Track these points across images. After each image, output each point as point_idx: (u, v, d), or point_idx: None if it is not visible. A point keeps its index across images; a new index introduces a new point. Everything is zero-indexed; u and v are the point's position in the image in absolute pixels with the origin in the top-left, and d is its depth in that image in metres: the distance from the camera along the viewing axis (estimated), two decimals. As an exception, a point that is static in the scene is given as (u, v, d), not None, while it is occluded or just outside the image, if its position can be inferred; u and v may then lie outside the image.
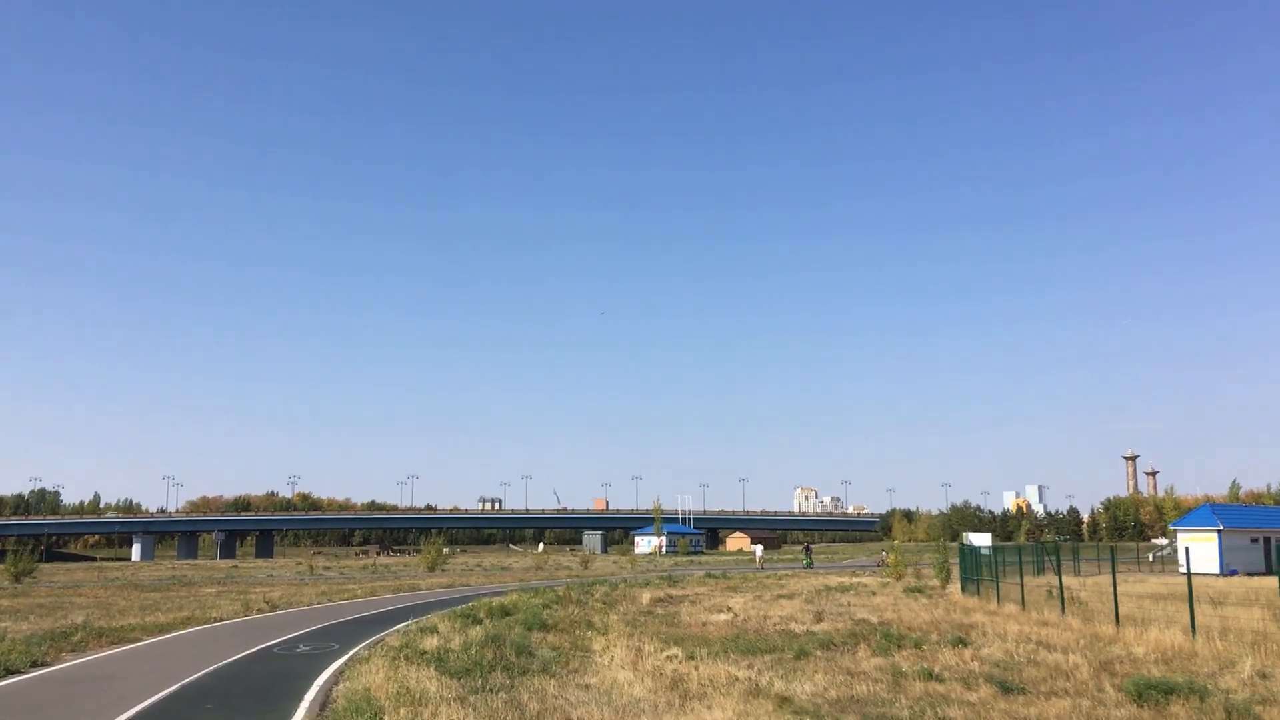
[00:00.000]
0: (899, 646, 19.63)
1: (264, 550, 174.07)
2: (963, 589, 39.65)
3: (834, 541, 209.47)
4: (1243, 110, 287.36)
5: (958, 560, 60.45)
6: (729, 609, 30.73)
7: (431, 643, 18.32)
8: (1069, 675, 15.69)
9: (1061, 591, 26.05)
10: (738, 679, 15.22)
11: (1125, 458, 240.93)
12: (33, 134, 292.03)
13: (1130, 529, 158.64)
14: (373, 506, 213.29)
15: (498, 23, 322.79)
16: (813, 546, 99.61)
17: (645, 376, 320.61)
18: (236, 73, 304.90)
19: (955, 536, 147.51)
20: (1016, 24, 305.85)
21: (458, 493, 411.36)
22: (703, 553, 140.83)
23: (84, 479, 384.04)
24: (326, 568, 72.15)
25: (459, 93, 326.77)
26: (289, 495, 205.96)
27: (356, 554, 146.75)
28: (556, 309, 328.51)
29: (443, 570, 65.35)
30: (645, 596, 34.82)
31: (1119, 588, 29.75)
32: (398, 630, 22.85)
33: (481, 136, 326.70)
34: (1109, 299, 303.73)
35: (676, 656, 18.14)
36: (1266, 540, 60.80)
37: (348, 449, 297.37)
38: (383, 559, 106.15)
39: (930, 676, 15.56)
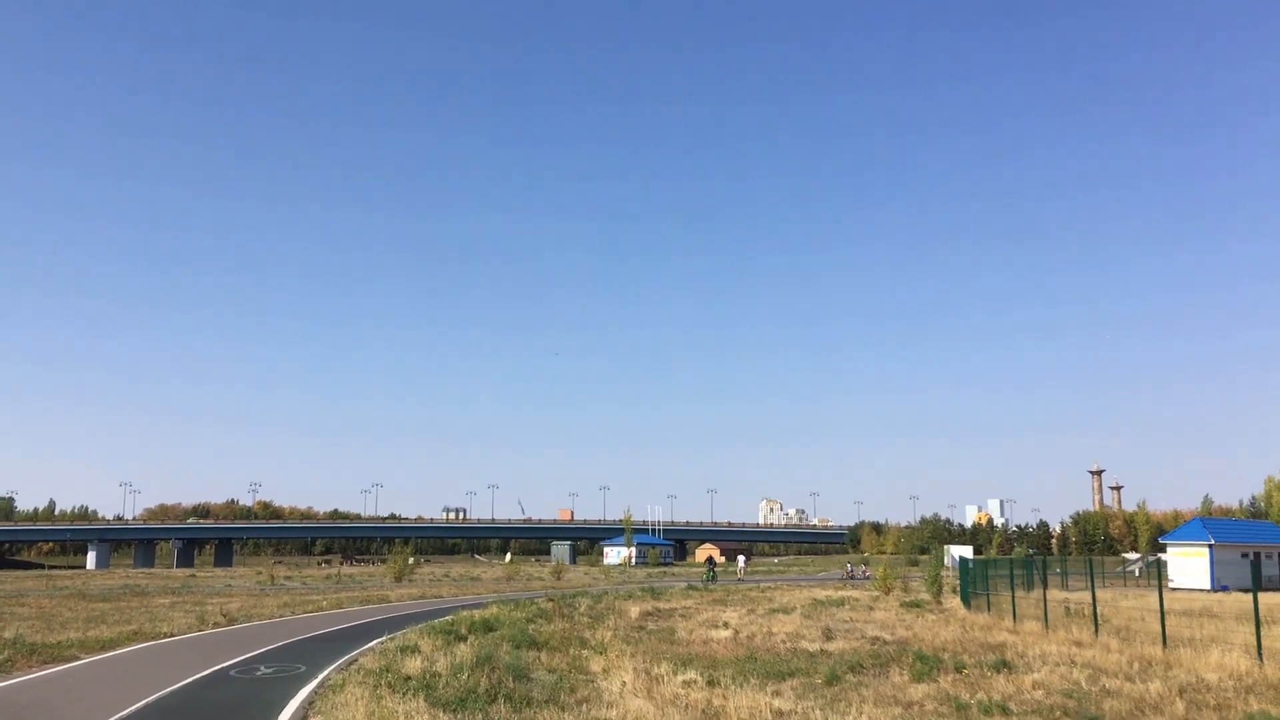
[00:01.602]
0: (935, 670, 17.54)
1: (223, 559, 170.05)
2: (965, 603, 37.92)
3: (800, 554, 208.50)
4: (1216, 130, 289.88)
5: (945, 573, 59.06)
6: (725, 624, 28.62)
7: (414, 664, 15.89)
8: (1160, 709, 13.61)
9: (1095, 609, 24.03)
10: (782, 713, 13.01)
11: (1091, 472, 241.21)
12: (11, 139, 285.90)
13: (1100, 543, 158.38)
14: (335, 515, 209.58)
15: (491, 31, 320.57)
16: (779, 559, 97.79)
17: (612, 387, 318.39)
18: (223, 79, 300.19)
19: (925, 549, 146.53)
20: (998, 38, 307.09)
21: (422, 502, 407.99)
22: (672, 564, 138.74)
23: (39, 485, 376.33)
24: (288, 577, 69.12)
25: (447, 97, 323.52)
26: (249, 503, 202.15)
27: (319, 564, 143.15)
28: (525, 319, 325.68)
29: (410, 580, 62.75)
30: (633, 610, 32.58)
31: (1116, 603, 28.05)
32: (372, 649, 20.36)
33: (462, 141, 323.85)
34: (1072, 315, 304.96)
35: (695, 682, 15.92)
36: (1256, 555, 59.53)
37: (310, 457, 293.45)
38: (347, 569, 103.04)
39: (1001, 710, 13.43)
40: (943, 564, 76.52)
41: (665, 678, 16.61)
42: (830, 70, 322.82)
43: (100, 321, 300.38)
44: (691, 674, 16.65)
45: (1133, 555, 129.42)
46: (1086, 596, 27.21)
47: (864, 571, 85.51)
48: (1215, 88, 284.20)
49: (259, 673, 16.57)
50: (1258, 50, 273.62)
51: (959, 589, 50.93)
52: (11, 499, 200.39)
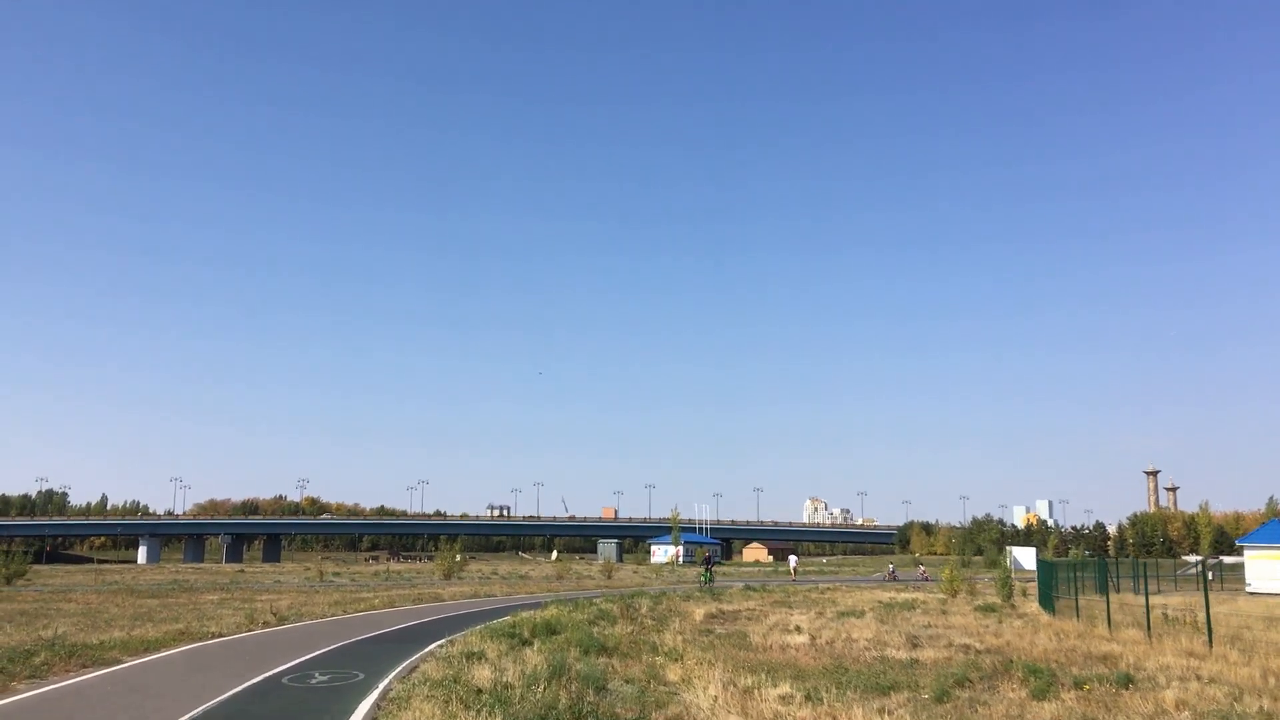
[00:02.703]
0: (1053, 686, 15.83)
1: (271, 554, 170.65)
2: (1046, 608, 36.01)
3: (846, 554, 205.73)
4: (1267, 128, 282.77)
5: (1017, 576, 56.94)
6: (798, 628, 27.00)
7: (483, 674, 14.42)
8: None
9: (1209, 618, 22.10)
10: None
11: (1146, 473, 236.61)
12: (43, 134, 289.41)
13: (1159, 545, 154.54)
14: (382, 512, 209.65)
15: (505, 31, 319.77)
16: (826, 559, 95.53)
17: (656, 386, 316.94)
18: (257, 77, 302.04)
19: (978, 550, 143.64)
20: (1032, 38, 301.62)
21: (466, 499, 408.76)
22: (721, 563, 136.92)
23: (92, 480, 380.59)
24: (336, 574, 68.33)
25: (472, 100, 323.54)
26: (297, 499, 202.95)
27: (366, 560, 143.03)
28: (569, 319, 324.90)
29: (459, 578, 61.65)
30: (697, 612, 31.06)
31: (1179, 608, 26.00)
32: (433, 653, 18.92)
33: (495, 147, 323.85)
34: (1124, 315, 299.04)
35: (792, 697, 14.35)
36: (1338, 558, 56.76)
37: (357, 454, 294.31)
38: (395, 565, 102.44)
39: (1156, 737, 11.76)
40: (1006, 566, 74.55)
41: (755, 690, 15.10)
42: (848, 71, 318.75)
43: (153, 321, 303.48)
44: (785, 687, 15.09)
45: (1193, 558, 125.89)
46: (1166, 600, 25.40)
47: (922, 573, 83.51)
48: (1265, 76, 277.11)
49: (314, 681, 15.15)
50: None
51: (1036, 593, 49.12)
52: (65, 494, 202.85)
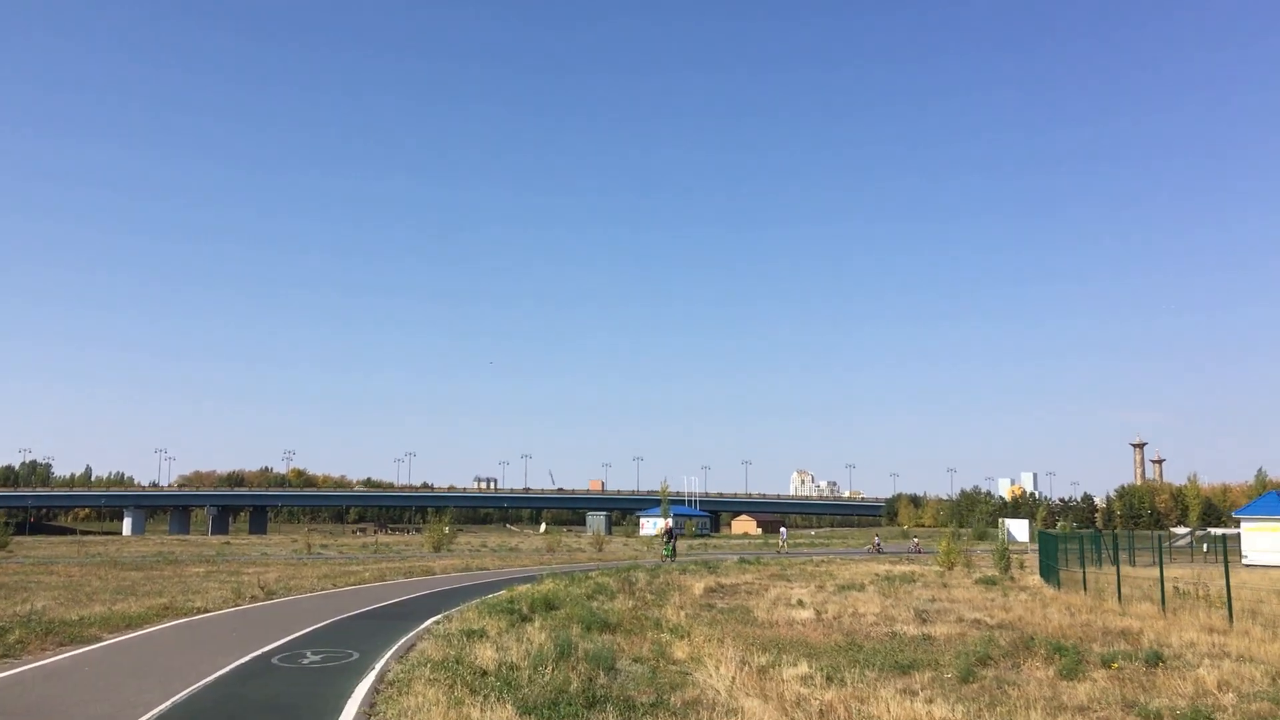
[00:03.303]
0: (1080, 664, 15.11)
1: (258, 527, 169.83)
2: (1051, 582, 35.46)
3: (834, 526, 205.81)
4: (1253, 102, 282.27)
5: (1012, 548, 56.49)
6: (801, 602, 26.33)
7: (485, 654, 13.59)
8: None
9: (1229, 592, 21.43)
10: (949, 724, 10.65)
11: (1133, 445, 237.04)
12: (41, 114, 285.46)
13: (1146, 517, 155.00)
14: (369, 484, 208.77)
15: (513, 11, 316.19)
16: (815, 531, 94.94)
17: (643, 358, 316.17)
18: (243, 53, 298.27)
19: (965, 522, 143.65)
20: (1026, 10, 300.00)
21: (454, 472, 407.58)
22: (710, 535, 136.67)
23: (76, 452, 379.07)
24: (324, 546, 67.58)
25: (460, 72, 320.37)
26: (283, 471, 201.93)
27: (354, 532, 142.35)
28: (555, 292, 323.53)
29: (449, 551, 60.92)
30: (695, 586, 30.34)
31: (1209, 582, 25.38)
32: (429, 630, 18.10)
33: (478, 117, 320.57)
34: (1110, 287, 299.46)
35: (811, 677, 13.59)
36: (1334, 530, 56.47)
37: (344, 426, 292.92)
38: (383, 537, 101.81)
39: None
40: (1000, 539, 74.25)
41: (770, 670, 14.34)
42: (845, 43, 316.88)
43: (138, 295, 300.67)
44: (803, 666, 14.33)
45: (1181, 530, 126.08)
46: (1169, 573, 24.63)
47: (915, 545, 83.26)
48: (1247, 51, 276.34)
49: (306, 661, 14.25)
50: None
51: (1033, 565, 48.68)
52: (49, 465, 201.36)
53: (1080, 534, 42.95)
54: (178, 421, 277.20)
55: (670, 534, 53.15)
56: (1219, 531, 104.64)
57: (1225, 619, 21.25)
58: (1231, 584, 24.80)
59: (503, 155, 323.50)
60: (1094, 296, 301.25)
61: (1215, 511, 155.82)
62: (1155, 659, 15.50)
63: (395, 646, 15.71)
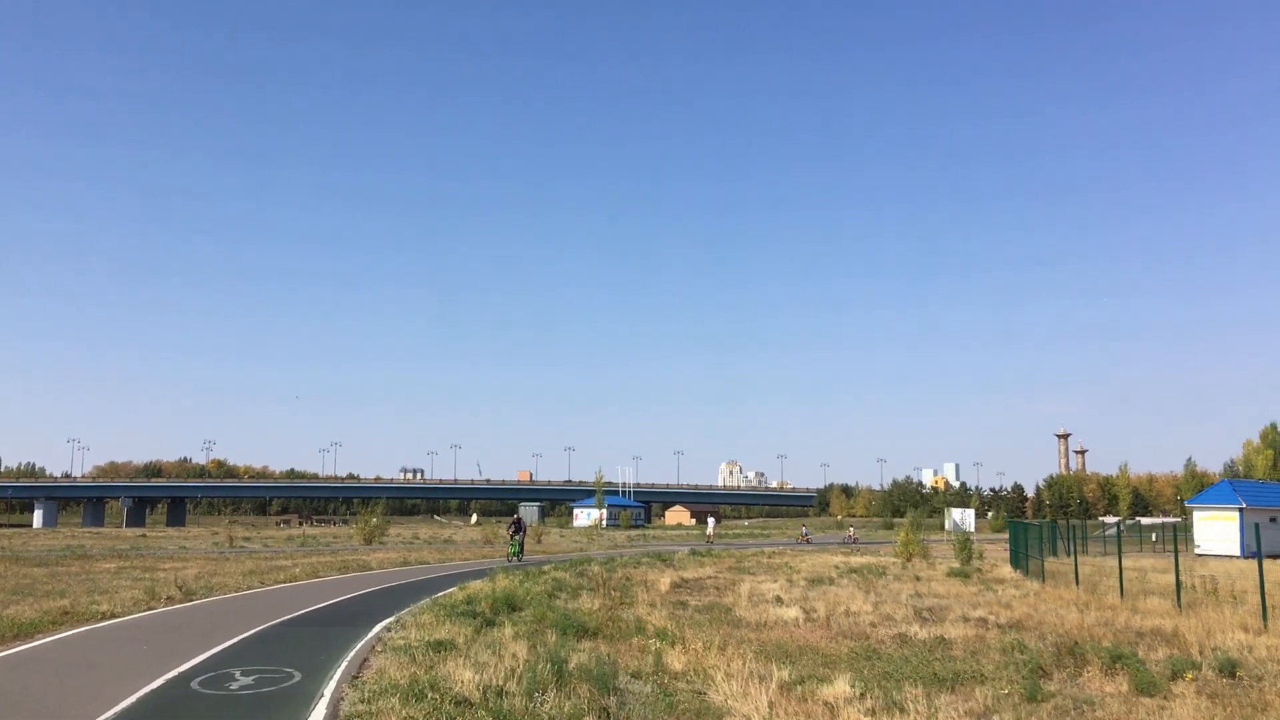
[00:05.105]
0: (1154, 677, 12.98)
1: (176, 519, 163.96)
2: (1022, 571, 34.01)
3: (765, 516, 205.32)
4: (1184, 96, 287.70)
5: (947, 537, 55.30)
6: (780, 599, 24.17)
7: (462, 673, 10.90)
8: None
9: (1263, 585, 19.57)
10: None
11: (1058, 436, 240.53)
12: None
13: (1075, 507, 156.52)
14: (292, 475, 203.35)
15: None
16: (748, 522, 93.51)
17: (573, 348, 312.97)
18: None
19: (897, 512, 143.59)
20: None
21: (380, 462, 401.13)
22: (645, 526, 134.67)
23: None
24: (247, 539, 63.89)
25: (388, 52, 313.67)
26: (203, 462, 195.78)
27: (277, 524, 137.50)
28: (482, 282, 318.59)
29: (381, 544, 57.82)
30: (660, 582, 28.00)
31: (1127, 570, 23.91)
32: (382, 640, 15.28)
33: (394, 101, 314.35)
34: (1032, 280, 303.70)
35: (856, 699, 11.24)
36: (1285, 519, 56.11)
37: (266, 415, 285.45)
38: (310, 529, 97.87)
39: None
40: (944, 528, 73.40)
41: (799, 688, 12.00)
42: (754, 30, 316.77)
43: (46, 278, 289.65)
44: (840, 684, 11.99)
45: (1110, 519, 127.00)
46: (1137, 562, 22.99)
47: (850, 535, 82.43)
48: (1177, 49, 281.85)
49: (234, 685, 11.32)
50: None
51: (992, 555, 47.46)
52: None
53: (1054, 524, 41.58)
54: (92, 411, 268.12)
55: (517, 526, 42.32)
56: (1148, 521, 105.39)
57: (1245, 615, 19.58)
58: (1206, 574, 23.51)
59: (429, 138, 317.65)
60: (1018, 288, 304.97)
61: (1143, 501, 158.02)
62: (1230, 668, 13.48)
63: (344, 663, 12.87)
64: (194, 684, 11.38)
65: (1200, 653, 15.34)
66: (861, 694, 11.40)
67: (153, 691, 10.96)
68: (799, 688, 12.02)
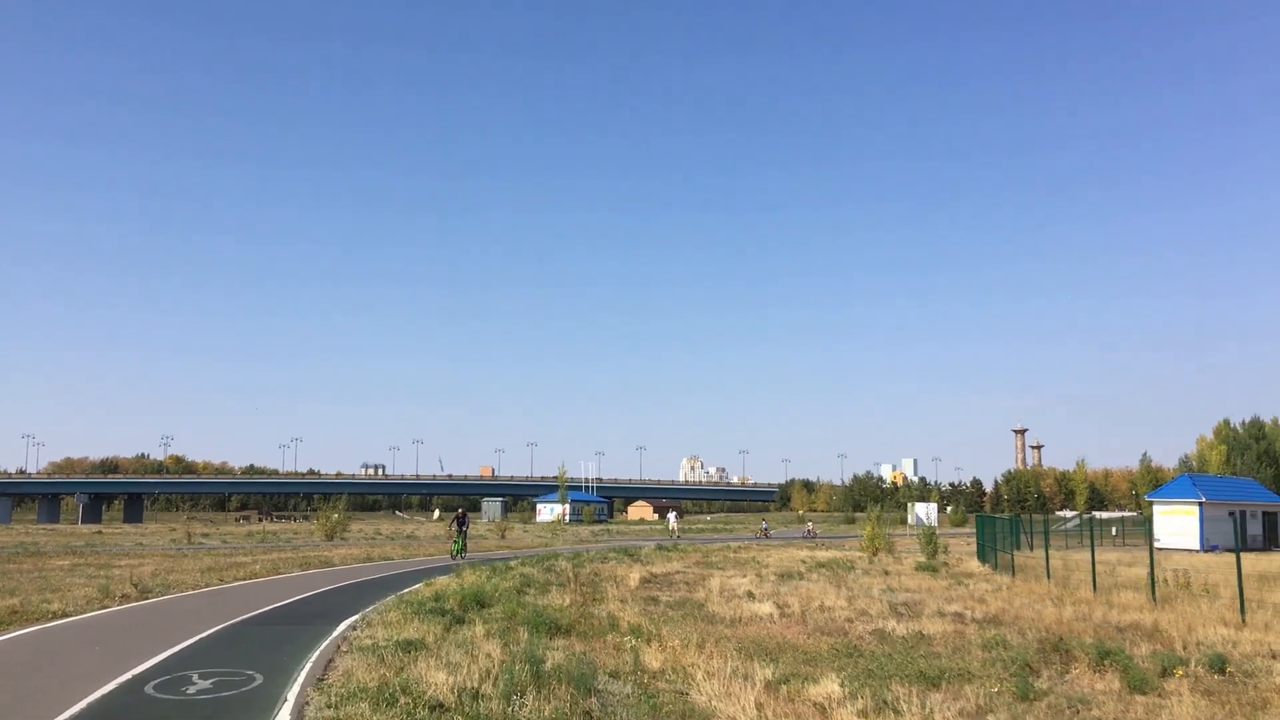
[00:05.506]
0: (1143, 672, 12.69)
1: (133, 515, 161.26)
2: (990, 565, 33.93)
3: (726, 511, 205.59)
4: (1155, 96, 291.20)
5: (912, 531, 55.30)
6: (751, 594, 23.84)
7: (434, 674, 10.37)
8: None
9: (1240, 581, 19.42)
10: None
11: (1015, 431, 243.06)
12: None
13: (1032, 501, 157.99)
14: (252, 470, 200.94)
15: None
16: (710, 517, 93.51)
17: (535, 343, 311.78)
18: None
19: (858, 507, 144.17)
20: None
21: (341, 458, 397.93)
22: (609, 522, 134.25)
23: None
24: (206, 535, 62.71)
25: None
26: (161, 458, 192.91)
27: (237, 520, 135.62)
28: (444, 276, 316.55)
29: (343, 539, 56.95)
30: (630, 577, 27.58)
31: (1104, 564, 23.90)
32: (347, 639, 14.69)
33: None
34: (989, 277, 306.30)
35: (847, 699, 10.83)
36: (1242, 514, 56.68)
37: (225, 411, 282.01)
38: (270, 526, 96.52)
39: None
40: (908, 522, 73.42)
41: (784, 687, 11.60)
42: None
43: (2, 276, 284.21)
44: (827, 683, 11.59)
45: (1068, 513, 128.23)
46: (1102, 556, 22.88)
47: (808, 530, 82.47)
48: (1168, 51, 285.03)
49: (192, 689, 10.66)
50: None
51: (957, 548, 47.55)
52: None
53: (1017, 518, 41.71)
54: (48, 407, 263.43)
55: (460, 521, 39.85)
56: (1104, 515, 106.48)
57: (1222, 609, 19.49)
58: (1164, 568, 23.43)
59: (401, 132, 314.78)
60: (975, 285, 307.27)
61: (1099, 496, 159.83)
62: (1219, 663, 13.22)
63: (308, 663, 12.26)
64: (149, 688, 10.74)
65: (1184, 648, 15.15)
66: (851, 694, 10.99)
67: (105, 696, 10.31)
68: (784, 687, 11.64)
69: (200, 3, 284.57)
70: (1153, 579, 22.11)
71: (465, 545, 39.00)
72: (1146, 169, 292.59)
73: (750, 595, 23.78)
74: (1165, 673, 12.82)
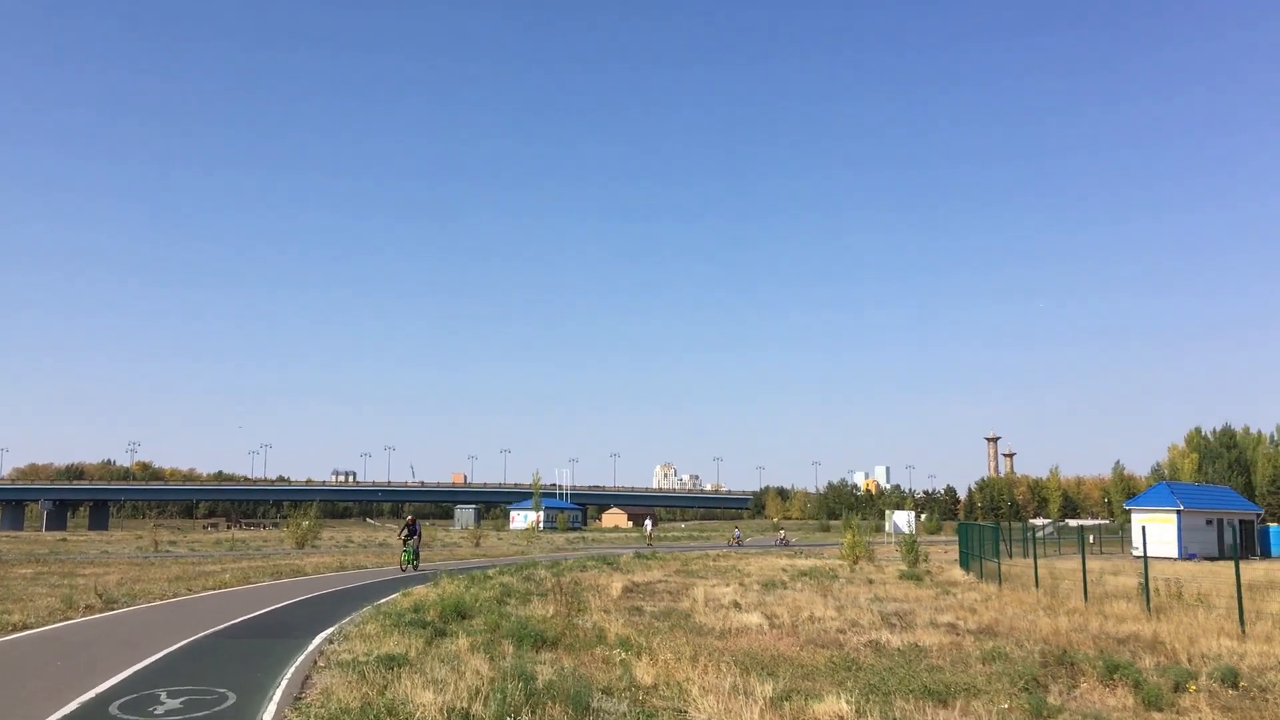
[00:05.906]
0: (1157, 687, 12.22)
1: (98, 522, 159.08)
2: (974, 573, 33.56)
3: (701, 519, 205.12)
4: (1134, 105, 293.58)
5: (889, 539, 54.90)
6: (737, 604, 23.29)
7: (420, 693, 9.72)
8: None
9: (1240, 595, 19.03)
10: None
11: (987, 439, 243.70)
12: None
13: (1006, 509, 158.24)
14: (220, 477, 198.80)
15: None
16: (685, 525, 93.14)
17: (507, 350, 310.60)
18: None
19: (833, 514, 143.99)
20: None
21: (311, 464, 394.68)
22: (583, 529, 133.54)
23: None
24: (173, 543, 61.50)
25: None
26: (127, 464, 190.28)
27: (205, 527, 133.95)
28: (420, 284, 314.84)
29: (314, 547, 55.95)
30: (612, 587, 26.96)
31: (1074, 572, 23.60)
32: (323, 652, 14.03)
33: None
34: (961, 284, 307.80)
35: (843, 719, 10.27)
36: (1220, 522, 56.76)
37: (194, 416, 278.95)
38: (239, 533, 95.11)
39: None
40: (881, 530, 73.12)
41: (787, 705, 11.02)
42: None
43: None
44: (833, 700, 11.02)
45: (1041, 521, 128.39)
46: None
47: (781, 538, 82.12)
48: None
49: (159, 709, 9.90)
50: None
51: (939, 556, 47.24)
52: None
53: (996, 527, 41.37)
54: (11, 412, 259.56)
55: (412, 531, 36.11)
56: (1075, 523, 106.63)
57: (1219, 620, 19.12)
58: (1153, 576, 23.09)
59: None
60: (946, 292, 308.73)
61: (1072, 504, 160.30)
62: (1232, 678, 12.78)
63: (284, 681, 11.54)
64: (113, 707, 10.00)
65: (1189, 661, 14.73)
66: (859, 711, 10.44)
67: (65, 718, 9.61)
68: (787, 704, 11.07)
69: (191, 9, 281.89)
70: (1147, 588, 21.72)
71: (417, 556, 35.77)
72: (1122, 177, 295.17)
73: (736, 605, 23.24)
74: (1178, 688, 12.36)
